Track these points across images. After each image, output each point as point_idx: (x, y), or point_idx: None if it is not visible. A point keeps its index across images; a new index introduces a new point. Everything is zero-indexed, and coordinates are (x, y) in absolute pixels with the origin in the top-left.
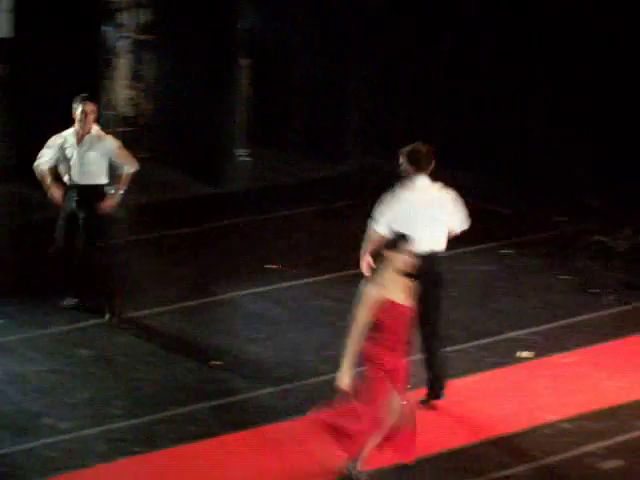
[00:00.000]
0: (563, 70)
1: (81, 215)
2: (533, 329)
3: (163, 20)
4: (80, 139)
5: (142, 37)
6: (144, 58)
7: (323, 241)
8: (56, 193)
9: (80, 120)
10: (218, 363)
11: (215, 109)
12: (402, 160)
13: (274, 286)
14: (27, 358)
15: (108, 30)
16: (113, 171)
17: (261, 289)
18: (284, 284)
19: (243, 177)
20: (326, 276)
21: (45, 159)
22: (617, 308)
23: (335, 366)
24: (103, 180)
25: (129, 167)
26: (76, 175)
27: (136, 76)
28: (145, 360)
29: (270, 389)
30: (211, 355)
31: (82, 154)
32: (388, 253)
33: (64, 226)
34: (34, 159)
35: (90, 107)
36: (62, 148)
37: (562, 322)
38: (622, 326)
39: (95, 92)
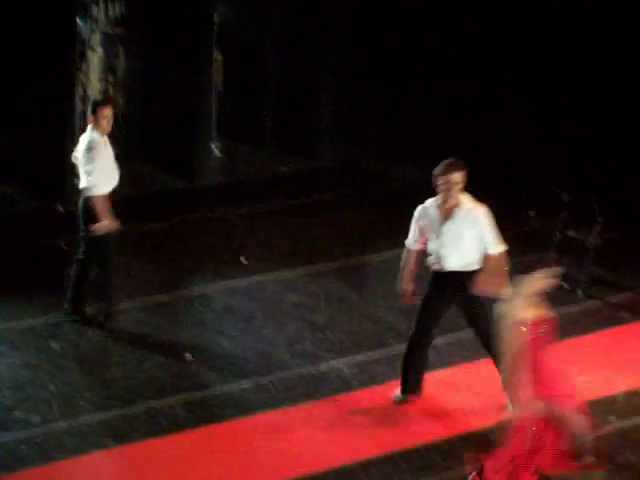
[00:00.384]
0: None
1: None
2: None
3: (136, 13)
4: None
5: (115, 30)
6: (117, 51)
7: (295, 236)
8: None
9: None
10: (190, 357)
11: (187, 103)
12: (439, 177)
13: (246, 281)
14: None
15: (81, 23)
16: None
17: (233, 284)
18: (256, 278)
19: (215, 171)
20: (298, 271)
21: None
22: (588, 303)
23: (307, 359)
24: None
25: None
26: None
27: (108, 70)
28: (116, 354)
29: (243, 383)
30: (183, 349)
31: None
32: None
33: None
34: (4, 153)
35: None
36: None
37: None
38: (594, 321)
39: (68, 86)
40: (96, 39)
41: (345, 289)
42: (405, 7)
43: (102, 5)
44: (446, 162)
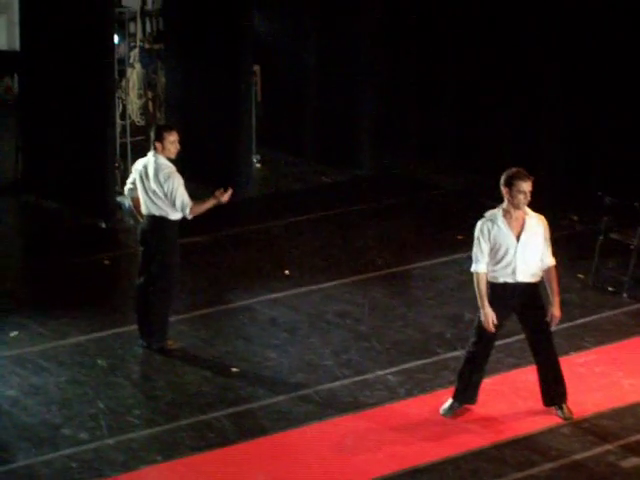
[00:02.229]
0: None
1: None
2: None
3: (173, 28)
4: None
5: (153, 46)
6: (155, 67)
7: (337, 246)
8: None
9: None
10: (235, 370)
11: (227, 116)
12: (513, 186)
13: (289, 292)
14: (44, 369)
15: (119, 40)
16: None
17: (277, 295)
18: (300, 289)
19: (256, 183)
20: (342, 281)
21: None
22: (633, 306)
23: (353, 369)
24: None
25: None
26: None
27: (148, 85)
28: (162, 369)
29: (289, 394)
30: (228, 362)
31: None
32: None
33: None
34: (43, 171)
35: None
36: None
37: (579, 321)
38: (639, 324)
39: (108, 102)
40: (134, 55)
41: (389, 298)
42: (441, 17)
43: (139, 21)
44: (515, 171)
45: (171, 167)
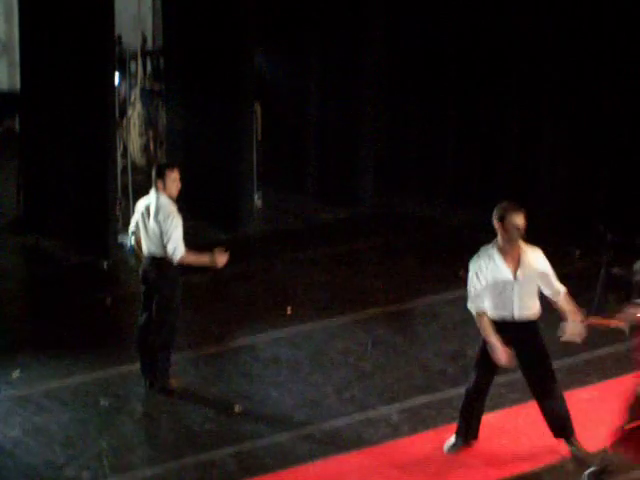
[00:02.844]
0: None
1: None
2: (554, 364)
3: (174, 68)
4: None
5: (154, 85)
6: (156, 106)
7: (339, 283)
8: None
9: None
10: (238, 408)
11: (228, 154)
12: (505, 220)
13: (291, 329)
14: (47, 409)
15: (120, 79)
16: None
17: (279, 333)
18: (302, 327)
19: (258, 221)
20: (344, 318)
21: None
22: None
23: (356, 406)
24: None
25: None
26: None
27: (149, 124)
28: (165, 408)
29: (292, 432)
30: (230, 401)
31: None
32: None
33: None
34: (44, 210)
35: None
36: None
37: (582, 356)
38: None
39: (109, 142)
40: (135, 95)
41: (392, 335)
42: (440, 55)
43: (140, 61)
44: (506, 204)
45: (172, 207)
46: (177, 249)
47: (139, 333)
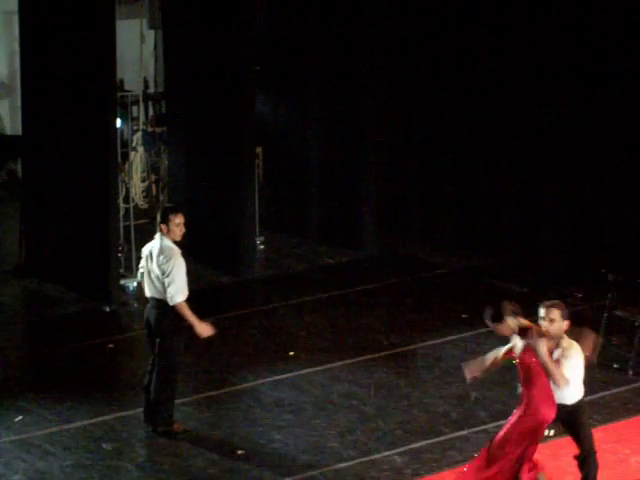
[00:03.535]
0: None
1: None
2: None
3: (176, 112)
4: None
5: (156, 129)
6: (158, 150)
7: (342, 326)
8: None
9: None
10: (241, 452)
11: (230, 198)
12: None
13: (294, 373)
14: (50, 454)
15: (122, 124)
16: None
17: (281, 376)
18: (304, 371)
19: (260, 265)
20: (346, 361)
21: None
22: (639, 383)
23: (359, 450)
24: None
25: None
26: None
27: (151, 168)
28: (168, 452)
29: (295, 477)
30: (234, 445)
31: None
32: None
33: None
34: (46, 255)
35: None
36: None
37: (585, 399)
38: None
39: (111, 186)
40: (137, 138)
41: (394, 378)
42: (442, 100)
43: (142, 105)
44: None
45: (175, 251)
46: (178, 294)
47: (147, 377)
